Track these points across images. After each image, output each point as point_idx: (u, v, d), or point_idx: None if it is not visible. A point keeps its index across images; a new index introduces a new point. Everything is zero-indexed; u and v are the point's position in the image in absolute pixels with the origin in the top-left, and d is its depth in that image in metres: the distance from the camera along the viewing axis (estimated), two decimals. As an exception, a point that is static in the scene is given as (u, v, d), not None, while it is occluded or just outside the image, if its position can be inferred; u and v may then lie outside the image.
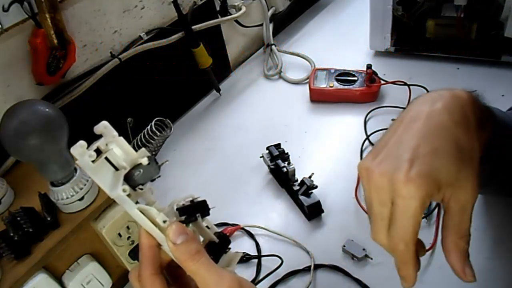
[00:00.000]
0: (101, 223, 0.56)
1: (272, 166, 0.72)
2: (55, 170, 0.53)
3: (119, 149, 0.34)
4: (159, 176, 0.36)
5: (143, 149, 0.35)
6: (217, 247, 0.38)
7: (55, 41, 0.62)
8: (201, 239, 0.38)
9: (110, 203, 0.57)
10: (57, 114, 0.51)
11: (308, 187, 0.67)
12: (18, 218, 0.52)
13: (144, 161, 0.34)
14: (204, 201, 0.38)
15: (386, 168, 0.33)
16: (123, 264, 0.60)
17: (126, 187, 0.33)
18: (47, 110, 0.51)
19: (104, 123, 0.36)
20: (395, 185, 0.33)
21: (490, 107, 0.43)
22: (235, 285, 0.34)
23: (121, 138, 0.35)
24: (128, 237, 0.59)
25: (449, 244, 0.38)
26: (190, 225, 0.37)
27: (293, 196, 0.69)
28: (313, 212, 0.66)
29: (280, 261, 0.60)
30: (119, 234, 0.57)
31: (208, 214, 0.38)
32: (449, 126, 0.34)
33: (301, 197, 0.66)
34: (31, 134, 0.48)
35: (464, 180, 0.34)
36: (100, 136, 0.35)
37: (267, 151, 0.73)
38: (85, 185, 0.54)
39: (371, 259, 0.59)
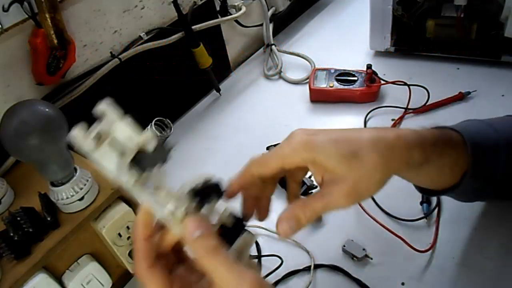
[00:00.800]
0: (101, 223, 0.56)
1: None
2: (55, 170, 0.53)
3: (124, 131, 0.32)
4: (167, 161, 0.34)
5: (149, 132, 0.32)
6: (231, 231, 0.36)
7: (55, 41, 0.62)
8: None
9: (110, 203, 0.57)
10: (57, 114, 0.51)
11: (308, 187, 0.67)
12: (18, 218, 0.52)
13: (151, 146, 0.32)
14: (218, 183, 0.35)
15: (304, 130, 0.40)
16: (123, 264, 0.60)
17: (133, 173, 0.31)
18: (47, 110, 0.51)
19: (107, 101, 0.33)
20: (293, 134, 0.40)
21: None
22: (256, 286, 0.31)
23: (126, 119, 0.32)
24: (128, 237, 0.59)
25: (295, 203, 0.39)
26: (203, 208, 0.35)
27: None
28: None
29: (280, 261, 0.60)
30: (119, 234, 0.57)
31: (222, 196, 0.36)
32: (363, 141, 0.38)
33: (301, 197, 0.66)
34: (31, 134, 0.48)
35: (341, 178, 0.37)
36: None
37: (267, 151, 0.73)
38: (85, 185, 0.54)
39: (371, 259, 0.59)
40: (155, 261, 0.34)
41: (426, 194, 0.52)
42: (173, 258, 0.37)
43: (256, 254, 0.63)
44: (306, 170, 0.42)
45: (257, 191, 0.41)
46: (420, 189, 0.51)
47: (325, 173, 0.38)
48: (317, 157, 0.37)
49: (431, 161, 0.42)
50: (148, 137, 0.32)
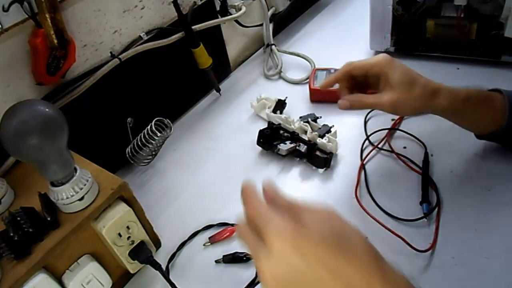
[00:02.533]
0: (101, 223, 0.56)
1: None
2: (55, 170, 0.53)
3: None
4: None
5: None
6: None
7: (55, 41, 0.62)
8: None
9: (110, 203, 0.57)
10: (57, 114, 0.51)
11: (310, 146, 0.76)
12: (18, 218, 0.52)
13: None
14: None
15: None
16: (123, 264, 0.60)
17: None
18: (47, 110, 0.51)
19: None
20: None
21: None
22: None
23: None
24: (128, 237, 0.59)
25: (357, 94, 0.63)
26: None
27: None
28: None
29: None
30: (119, 234, 0.57)
31: None
32: (417, 77, 0.60)
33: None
34: (31, 134, 0.48)
35: (394, 91, 0.59)
36: None
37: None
38: (85, 185, 0.54)
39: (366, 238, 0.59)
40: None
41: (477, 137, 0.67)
42: None
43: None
44: (371, 78, 0.62)
45: (347, 83, 0.64)
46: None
47: (386, 84, 0.58)
48: (390, 73, 0.58)
49: (463, 112, 0.60)
50: None
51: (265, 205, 0.39)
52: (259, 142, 0.78)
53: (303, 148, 0.74)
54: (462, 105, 0.59)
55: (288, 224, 0.35)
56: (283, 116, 0.81)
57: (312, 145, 0.74)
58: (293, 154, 0.77)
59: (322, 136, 0.75)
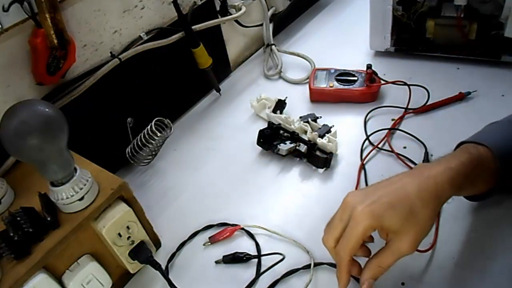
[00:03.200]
0: (101, 223, 0.56)
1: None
2: (55, 170, 0.53)
3: None
4: None
5: None
6: None
7: (55, 41, 0.62)
8: None
9: (110, 203, 0.57)
10: (57, 114, 0.51)
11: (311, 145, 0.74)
12: (18, 218, 0.52)
13: None
14: None
15: (357, 198, 0.48)
16: (123, 264, 0.60)
17: None
18: (47, 110, 0.51)
19: None
20: (354, 210, 0.47)
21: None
22: None
23: None
24: (128, 237, 0.59)
25: (371, 264, 0.49)
26: None
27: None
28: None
29: (281, 257, 0.61)
30: (119, 234, 0.57)
31: None
32: (412, 197, 0.47)
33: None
34: (31, 134, 0.48)
35: (404, 233, 0.46)
36: None
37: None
38: (85, 185, 0.54)
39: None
40: None
41: (468, 199, 0.61)
42: None
43: (256, 254, 0.63)
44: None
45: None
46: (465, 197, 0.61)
47: (389, 232, 0.48)
48: (383, 224, 0.46)
49: (464, 189, 0.52)
50: None
51: None
52: (259, 142, 0.78)
53: (303, 148, 0.74)
54: (464, 183, 0.51)
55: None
56: (283, 116, 0.81)
57: (312, 145, 0.74)
58: (293, 154, 0.77)
59: (322, 136, 0.75)
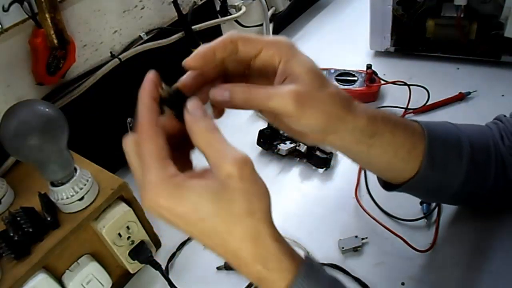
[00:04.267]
0: (101, 223, 0.56)
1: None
2: (55, 170, 0.53)
3: None
4: None
5: None
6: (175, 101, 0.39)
7: (55, 41, 0.62)
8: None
9: (110, 203, 0.57)
10: (57, 114, 0.51)
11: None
12: (18, 218, 0.52)
13: None
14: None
15: None
16: (123, 264, 0.60)
17: None
18: (47, 110, 0.51)
19: None
20: None
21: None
22: (247, 167, 0.33)
23: None
24: (128, 237, 0.59)
25: (243, 86, 0.39)
26: None
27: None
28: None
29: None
30: (119, 234, 0.57)
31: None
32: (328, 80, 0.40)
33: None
34: (31, 134, 0.48)
35: (299, 82, 0.38)
36: None
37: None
38: (85, 185, 0.54)
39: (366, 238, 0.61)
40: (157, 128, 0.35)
41: (388, 189, 0.51)
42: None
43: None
44: (261, 64, 0.40)
45: (210, 73, 0.41)
46: (382, 183, 0.52)
47: (287, 74, 0.38)
48: (295, 58, 0.38)
49: (382, 135, 0.42)
50: None
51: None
52: (259, 142, 0.78)
53: (303, 148, 0.74)
54: (381, 124, 0.42)
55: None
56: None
57: (312, 145, 0.74)
58: (293, 154, 0.77)
59: (322, 136, 0.74)
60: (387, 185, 0.51)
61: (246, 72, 0.41)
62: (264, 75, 0.40)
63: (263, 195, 0.35)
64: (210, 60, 0.39)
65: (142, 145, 0.36)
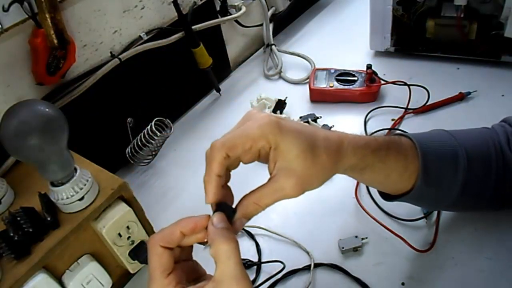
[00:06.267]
0: (101, 223, 0.56)
1: None
2: (55, 170, 0.53)
3: None
4: None
5: None
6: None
7: (55, 41, 0.62)
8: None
9: (110, 203, 0.57)
10: (57, 114, 0.51)
11: None
12: (18, 218, 0.52)
13: None
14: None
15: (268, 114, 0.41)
16: (123, 264, 0.60)
17: None
18: (47, 110, 0.51)
19: None
20: (257, 114, 0.41)
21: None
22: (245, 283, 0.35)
23: None
24: (128, 237, 0.59)
25: (247, 200, 0.41)
26: None
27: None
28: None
29: (282, 266, 0.60)
30: (119, 234, 0.57)
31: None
32: (319, 137, 0.41)
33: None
34: (31, 134, 0.48)
35: (294, 170, 0.40)
36: None
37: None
38: (85, 185, 0.54)
39: (366, 238, 0.61)
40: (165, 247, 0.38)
41: (386, 199, 0.53)
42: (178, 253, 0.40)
43: (257, 254, 0.63)
44: (256, 155, 0.41)
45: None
46: (380, 193, 0.53)
47: (279, 162, 0.40)
48: (282, 144, 0.39)
49: (373, 166, 0.44)
50: None
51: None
52: None
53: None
54: (371, 158, 0.44)
55: None
56: (283, 116, 0.81)
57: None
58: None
59: (322, 136, 0.74)
60: (385, 196, 0.53)
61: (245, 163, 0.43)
62: (257, 154, 0.42)
63: None
64: (219, 185, 0.41)
65: (149, 258, 0.38)
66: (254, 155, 0.41)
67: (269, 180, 0.41)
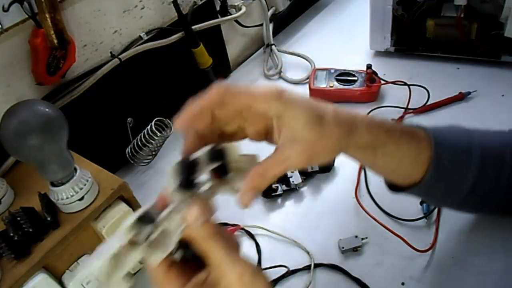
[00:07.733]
0: (101, 223, 0.56)
1: None
2: (55, 170, 0.53)
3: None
4: None
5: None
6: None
7: (55, 41, 0.62)
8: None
9: (110, 203, 0.57)
10: (57, 114, 0.51)
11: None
12: (18, 218, 0.52)
13: None
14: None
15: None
16: (123, 264, 0.60)
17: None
18: (47, 110, 0.51)
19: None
20: (270, 87, 0.38)
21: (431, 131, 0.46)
22: (248, 274, 0.34)
23: None
24: (128, 237, 0.59)
25: (253, 171, 0.38)
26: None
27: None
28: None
29: (285, 270, 0.60)
30: (119, 234, 0.57)
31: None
32: (328, 110, 0.39)
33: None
34: (31, 134, 0.48)
35: (300, 140, 0.38)
36: None
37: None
38: (85, 185, 0.54)
39: (366, 238, 0.61)
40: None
41: (393, 190, 0.51)
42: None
43: (256, 254, 0.63)
44: (260, 126, 0.40)
45: (204, 130, 0.40)
46: (388, 184, 0.51)
47: (285, 131, 0.38)
48: (286, 112, 0.37)
49: (385, 146, 0.43)
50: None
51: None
52: None
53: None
54: (384, 138, 0.43)
55: None
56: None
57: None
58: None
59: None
60: (392, 187, 0.51)
61: (242, 127, 0.41)
62: (260, 124, 0.40)
63: None
64: (199, 117, 0.39)
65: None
66: (256, 122, 0.40)
67: (275, 151, 0.39)
